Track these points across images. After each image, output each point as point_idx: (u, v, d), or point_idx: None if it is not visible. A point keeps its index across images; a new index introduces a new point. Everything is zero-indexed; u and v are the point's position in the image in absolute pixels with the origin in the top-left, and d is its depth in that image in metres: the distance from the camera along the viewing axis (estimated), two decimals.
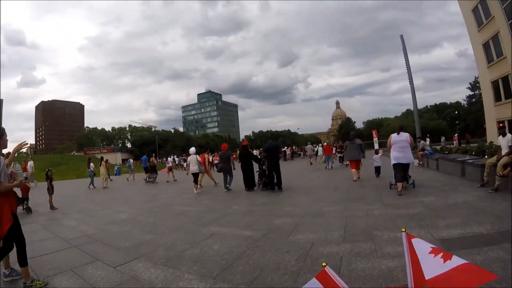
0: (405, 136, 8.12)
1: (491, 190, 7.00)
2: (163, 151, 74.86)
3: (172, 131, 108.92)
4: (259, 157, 11.86)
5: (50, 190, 10.21)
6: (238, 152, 24.64)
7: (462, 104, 77.56)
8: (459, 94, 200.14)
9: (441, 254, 1.63)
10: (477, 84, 61.43)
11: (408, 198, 7.06)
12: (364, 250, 3.83)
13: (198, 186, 12.30)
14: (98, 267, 4.04)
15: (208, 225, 6.06)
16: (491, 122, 26.07)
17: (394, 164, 7.99)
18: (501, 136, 7.63)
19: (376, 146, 32.76)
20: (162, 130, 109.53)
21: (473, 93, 65.14)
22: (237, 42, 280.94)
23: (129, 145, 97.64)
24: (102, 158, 18.82)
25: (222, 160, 12.23)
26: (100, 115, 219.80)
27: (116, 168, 35.80)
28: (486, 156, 9.54)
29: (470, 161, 9.41)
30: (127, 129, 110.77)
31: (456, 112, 58.34)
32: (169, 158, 25.93)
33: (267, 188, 10.45)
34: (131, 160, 28.87)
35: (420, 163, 15.10)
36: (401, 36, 26.79)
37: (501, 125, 7.74)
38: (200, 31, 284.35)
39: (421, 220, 5.06)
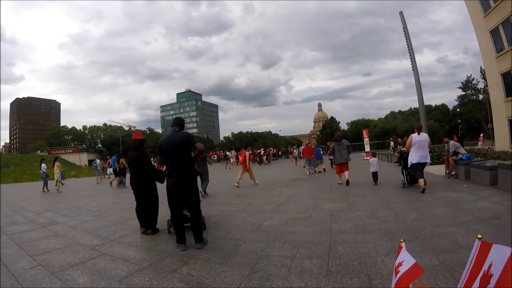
0: (424, 136, 8.06)
1: None
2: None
3: (147, 131, 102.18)
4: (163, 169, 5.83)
5: None
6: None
7: (447, 106, 76.79)
8: (438, 99, 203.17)
9: None
10: (469, 84, 58.25)
11: None
12: None
13: (236, 185, 11.77)
14: None
15: None
16: (500, 121, 21.92)
17: (414, 164, 7.97)
18: None
19: (367, 148, 27.62)
20: (135, 129, 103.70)
21: (464, 93, 60.68)
22: (219, 43, 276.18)
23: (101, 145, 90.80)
24: (56, 159, 16.94)
25: (197, 162, 9.36)
26: (79, 115, 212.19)
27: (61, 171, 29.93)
28: None
29: None
30: (100, 128, 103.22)
31: (458, 110, 54.12)
32: None
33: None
34: (98, 161, 24.85)
35: (452, 173, 9.92)
36: (401, 13, 21.93)
37: None
38: (182, 31, 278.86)
39: None
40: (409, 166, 8.17)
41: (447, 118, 70.55)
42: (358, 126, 74.60)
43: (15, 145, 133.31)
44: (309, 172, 15.78)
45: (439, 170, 11.69)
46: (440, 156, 15.49)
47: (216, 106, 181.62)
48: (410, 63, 21.43)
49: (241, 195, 9.83)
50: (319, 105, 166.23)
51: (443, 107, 78.48)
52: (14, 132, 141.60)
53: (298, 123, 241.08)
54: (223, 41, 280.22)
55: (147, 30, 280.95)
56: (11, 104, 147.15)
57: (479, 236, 1.33)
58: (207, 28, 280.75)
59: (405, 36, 21.45)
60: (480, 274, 1.27)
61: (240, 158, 14.30)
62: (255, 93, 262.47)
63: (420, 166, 7.92)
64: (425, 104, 22.26)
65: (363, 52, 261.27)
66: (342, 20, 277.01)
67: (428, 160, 8.17)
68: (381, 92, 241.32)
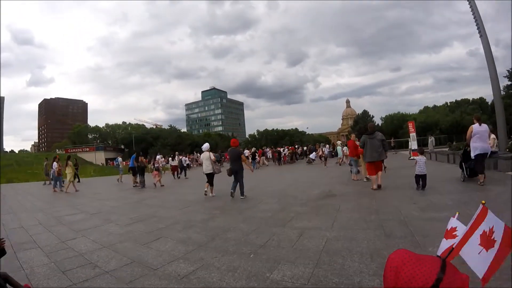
0: (485, 127, 7.93)
1: None
2: (152, 150, 66.62)
3: (170, 128, 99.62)
4: None
5: None
6: None
7: (485, 100, 68.37)
8: (470, 94, 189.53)
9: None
10: None
11: None
12: None
13: (365, 180, 10.52)
14: None
15: None
16: None
17: (476, 155, 7.82)
18: None
19: (414, 144, 21.97)
20: (156, 127, 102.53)
21: (511, 82, 52.53)
22: (245, 41, 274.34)
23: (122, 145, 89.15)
24: (68, 157, 16.60)
25: (231, 159, 9.36)
26: (109, 114, 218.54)
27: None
28: None
29: None
30: (121, 126, 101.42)
31: None
32: (158, 157, 23.54)
33: None
34: (120, 159, 24.54)
35: None
36: None
37: None
38: (207, 30, 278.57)
39: None
40: (472, 158, 8.02)
41: (486, 112, 62.58)
42: (394, 121, 67.52)
43: (43, 144, 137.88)
44: (355, 177, 11.45)
45: None
46: None
47: (241, 104, 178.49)
48: (481, 42, 15.94)
49: (215, 239, 5.11)
50: (347, 102, 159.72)
51: (481, 100, 70.69)
52: (42, 132, 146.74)
53: (325, 121, 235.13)
54: (249, 38, 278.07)
55: (173, 30, 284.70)
56: (39, 105, 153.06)
57: (483, 201, 1.27)
58: (232, 26, 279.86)
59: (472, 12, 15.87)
60: (480, 232, 1.23)
61: (349, 149, 12.12)
62: (282, 91, 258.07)
63: (481, 157, 7.85)
64: (458, 99, 16.90)
65: (390, 47, 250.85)
66: (367, 14, 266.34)
67: (489, 151, 8.03)
68: (410, 87, 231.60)
